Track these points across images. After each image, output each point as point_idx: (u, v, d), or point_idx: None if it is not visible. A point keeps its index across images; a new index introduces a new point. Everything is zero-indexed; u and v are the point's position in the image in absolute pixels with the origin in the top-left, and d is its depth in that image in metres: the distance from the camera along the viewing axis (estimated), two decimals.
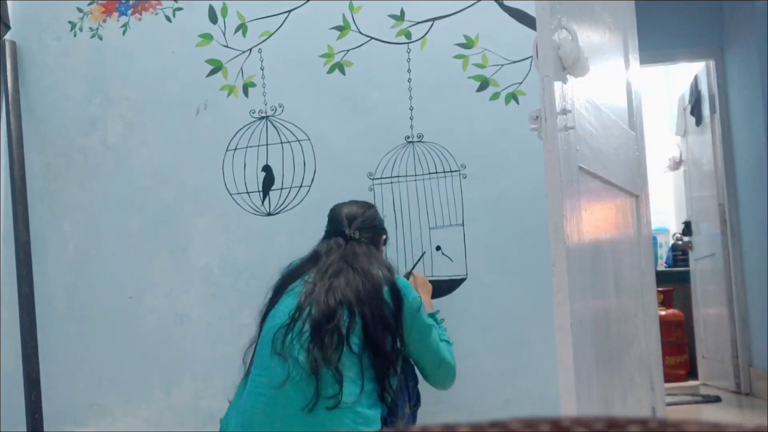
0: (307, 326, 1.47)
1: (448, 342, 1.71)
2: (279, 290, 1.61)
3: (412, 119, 2.08)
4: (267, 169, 2.16)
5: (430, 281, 1.90)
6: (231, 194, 2.18)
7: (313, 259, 1.63)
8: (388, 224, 2.04)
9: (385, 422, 1.47)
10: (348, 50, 2.14)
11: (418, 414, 1.66)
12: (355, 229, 1.66)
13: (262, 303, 1.66)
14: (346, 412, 1.41)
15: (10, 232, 2.30)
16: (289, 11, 2.20)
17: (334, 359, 1.43)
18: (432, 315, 1.76)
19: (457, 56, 2.07)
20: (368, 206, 1.79)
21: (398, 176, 2.07)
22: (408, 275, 1.85)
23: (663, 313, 3.56)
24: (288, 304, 1.54)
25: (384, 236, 1.79)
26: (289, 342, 1.46)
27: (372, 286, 1.52)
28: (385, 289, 1.53)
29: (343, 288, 1.50)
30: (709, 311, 3.89)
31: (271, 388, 1.44)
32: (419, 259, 1.98)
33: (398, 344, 1.53)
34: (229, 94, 2.22)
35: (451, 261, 2.02)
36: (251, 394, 1.47)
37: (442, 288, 1.97)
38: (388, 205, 2.06)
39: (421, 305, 1.60)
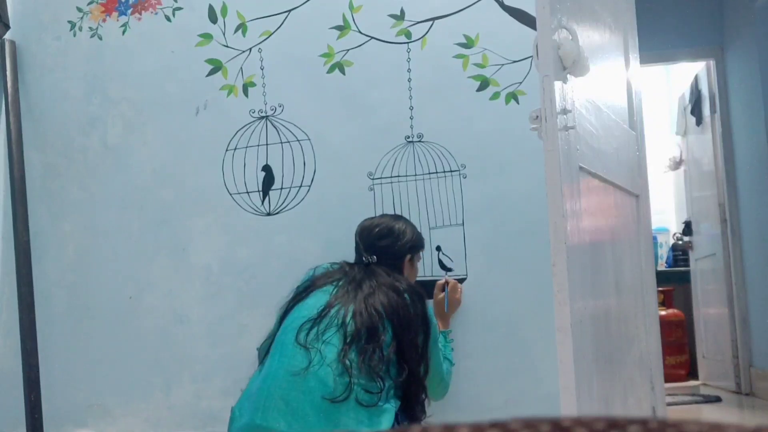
0: (332, 326, 1.51)
1: (450, 362, 1.76)
2: (308, 288, 1.65)
3: (412, 119, 2.08)
4: (267, 169, 2.16)
5: (430, 281, 1.90)
6: (231, 194, 2.18)
7: (341, 271, 1.68)
8: None
9: (396, 419, 1.50)
10: (348, 50, 2.14)
11: None
12: (372, 254, 1.70)
13: (286, 298, 1.70)
14: (359, 410, 1.44)
15: (9, 232, 2.30)
16: (289, 11, 2.20)
17: (378, 370, 1.47)
18: (444, 334, 1.82)
19: (457, 56, 2.06)
20: (391, 226, 1.78)
21: (398, 176, 2.07)
22: (444, 285, 1.91)
23: (663, 313, 3.56)
24: (318, 299, 1.58)
25: (409, 256, 1.78)
26: (314, 335, 1.49)
27: (408, 310, 1.56)
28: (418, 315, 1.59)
29: (384, 303, 1.55)
30: (709, 311, 3.89)
31: (290, 374, 1.45)
32: (448, 269, 2.00)
33: (425, 369, 1.58)
34: (229, 94, 2.21)
35: (451, 261, 2.02)
36: (268, 378, 1.49)
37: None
38: (388, 205, 2.06)
39: (437, 332, 1.67)
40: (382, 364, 1.47)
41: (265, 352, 1.64)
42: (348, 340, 1.48)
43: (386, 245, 1.73)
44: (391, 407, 1.47)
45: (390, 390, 1.49)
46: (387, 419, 1.43)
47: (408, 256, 1.77)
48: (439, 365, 1.66)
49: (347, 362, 1.45)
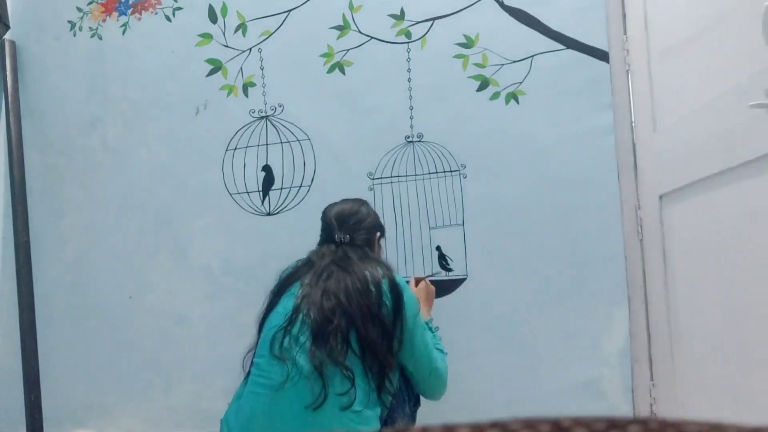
0: (304, 328, 1.47)
1: (441, 351, 1.69)
2: (277, 294, 1.61)
3: (412, 119, 2.08)
4: (267, 169, 2.16)
5: (431, 281, 1.89)
6: (231, 194, 2.18)
7: (308, 264, 1.62)
8: (388, 224, 2.04)
9: (384, 423, 1.47)
10: (348, 50, 2.14)
11: (417, 414, 1.65)
12: (345, 233, 1.66)
13: (261, 308, 1.65)
14: (346, 412, 1.41)
15: (9, 232, 2.30)
16: (289, 11, 2.20)
17: (341, 359, 1.42)
18: (427, 323, 1.74)
19: (457, 56, 2.06)
20: (359, 204, 1.75)
21: (398, 176, 2.07)
22: (419, 281, 1.84)
23: None
24: (285, 306, 1.54)
25: (378, 233, 1.76)
26: (287, 344, 1.46)
27: (363, 285, 1.50)
28: (384, 286, 1.52)
29: (335, 289, 1.49)
30: None
31: (270, 389, 1.44)
32: (432, 275, 1.97)
33: (395, 343, 1.51)
34: (229, 94, 2.21)
35: (451, 261, 2.02)
36: (251, 395, 1.47)
37: (442, 288, 1.97)
38: (388, 205, 2.06)
39: (418, 305, 1.59)
40: (345, 348, 1.44)
41: (250, 363, 1.61)
42: (313, 338, 1.45)
43: (358, 220, 1.70)
44: (374, 414, 1.45)
45: (373, 393, 1.46)
46: (372, 425, 1.41)
47: (378, 234, 1.75)
48: (423, 343, 1.57)
49: (317, 361, 1.42)
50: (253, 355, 1.57)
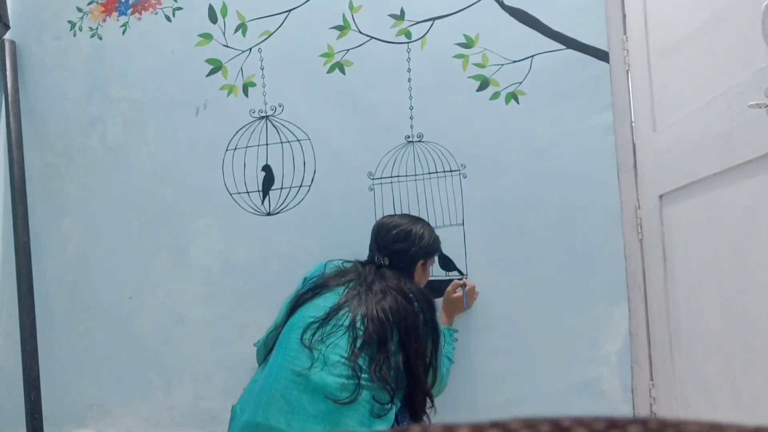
0: (337, 329, 1.49)
1: (450, 360, 1.75)
2: (319, 287, 1.63)
3: (412, 119, 2.08)
4: (267, 168, 2.16)
5: (430, 281, 1.90)
6: (231, 194, 2.18)
7: (354, 271, 1.65)
8: None
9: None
10: (348, 50, 2.14)
11: None
12: (385, 256, 1.69)
13: (296, 291, 1.68)
14: (367, 414, 1.42)
15: (9, 232, 2.30)
16: (289, 11, 2.20)
17: (386, 376, 1.45)
18: (450, 332, 1.82)
19: (457, 56, 2.06)
20: (409, 229, 1.75)
21: (398, 176, 2.07)
22: (462, 286, 1.93)
23: None
24: (327, 300, 1.56)
25: (422, 261, 1.76)
26: (319, 336, 1.48)
27: (416, 318, 1.55)
28: (425, 319, 1.57)
29: (394, 309, 1.53)
30: None
31: (293, 373, 1.44)
32: (460, 273, 2.00)
33: (431, 377, 1.57)
34: (229, 94, 2.21)
35: (452, 261, 2.02)
36: (271, 376, 1.47)
37: (442, 288, 1.97)
38: (388, 205, 2.06)
39: (443, 341, 1.67)
40: (391, 373, 1.46)
41: (270, 346, 1.63)
42: (359, 344, 1.46)
43: (401, 249, 1.71)
44: (386, 424, 1.46)
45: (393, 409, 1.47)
46: (386, 422, 1.42)
47: (421, 261, 1.75)
48: (441, 368, 1.65)
49: (356, 366, 1.44)
50: (276, 336, 1.59)
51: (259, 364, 1.68)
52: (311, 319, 1.51)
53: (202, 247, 2.20)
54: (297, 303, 1.62)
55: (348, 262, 1.73)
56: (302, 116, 2.15)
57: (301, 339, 1.48)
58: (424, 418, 1.56)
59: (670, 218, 1.69)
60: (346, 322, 1.49)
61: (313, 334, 1.48)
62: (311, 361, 1.44)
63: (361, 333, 1.48)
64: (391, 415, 1.44)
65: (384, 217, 1.83)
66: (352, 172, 2.10)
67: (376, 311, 1.51)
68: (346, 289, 1.58)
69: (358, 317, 1.50)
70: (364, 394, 1.41)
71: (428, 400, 1.56)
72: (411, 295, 1.57)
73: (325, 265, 1.73)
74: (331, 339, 1.47)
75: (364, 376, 1.43)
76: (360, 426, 1.39)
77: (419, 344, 1.52)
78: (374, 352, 1.46)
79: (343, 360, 1.44)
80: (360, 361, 1.44)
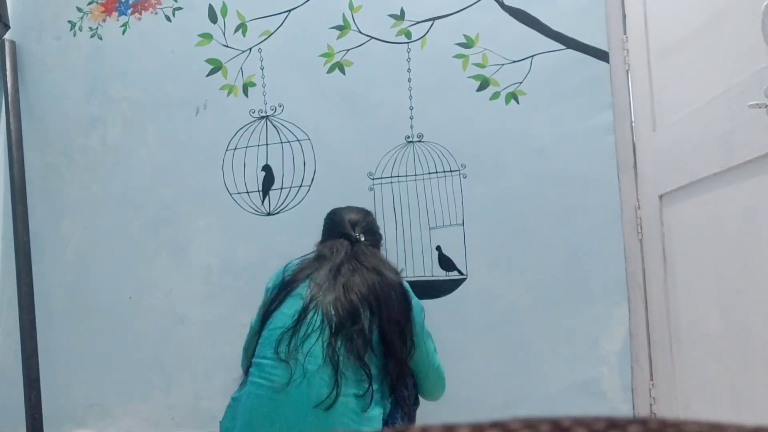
0: (311, 330, 1.46)
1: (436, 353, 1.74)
2: (282, 291, 1.58)
3: (412, 119, 2.08)
4: (267, 168, 2.16)
5: (431, 281, 1.90)
6: (231, 194, 2.18)
7: (318, 259, 1.61)
8: (389, 224, 2.04)
9: (385, 423, 1.47)
10: (348, 50, 2.14)
11: (417, 414, 1.66)
12: (359, 233, 1.66)
13: (263, 302, 1.64)
14: (354, 411, 1.41)
15: (9, 232, 2.30)
16: (289, 11, 2.20)
17: (361, 354, 1.42)
18: None
19: (457, 56, 2.06)
20: (368, 212, 1.79)
21: (398, 176, 2.07)
22: None
23: None
24: (291, 306, 1.52)
25: (381, 242, 1.80)
26: (294, 346, 1.45)
27: (387, 286, 1.52)
28: (396, 290, 1.54)
29: (360, 286, 1.50)
30: None
31: (271, 390, 1.43)
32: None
33: (408, 347, 1.53)
34: (228, 94, 2.22)
35: (452, 261, 2.02)
36: (251, 396, 1.46)
37: (442, 288, 1.97)
38: (388, 205, 2.06)
39: (424, 312, 1.61)
40: (366, 346, 1.44)
41: (251, 353, 1.59)
42: (334, 331, 1.45)
43: (371, 221, 1.74)
44: (378, 414, 1.45)
45: (377, 393, 1.46)
46: (375, 425, 1.41)
47: (381, 242, 1.80)
48: (428, 346, 1.60)
49: (335, 356, 1.42)
50: (252, 355, 1.56)
51: (243, 370, 1.65)
52: (281, 330, 1.49)
53: (202, 247, 2.20)
54: (265, 314, 1.59)
55: (307, 255, 1.68)
56: (302, 116, 2.15)
57: (276, 353, 1.46)
58: (404, 391, 1.52)
59: (670, 218, 1.69)
60: (317, 322, 1.46)
61: (288, 345, 1.45)
62: (289, 374, 1.42)
63: (335, 320, 1.46)
64: (373, 415, 1.42)
65: (337, 209, 1.79)
66: (352, 172, 2.09)
67: (344, 291, 1.48)
68: (308, 287, 1.53)
69: (330, 307, 1.47)
70: (344, 392, 1.40)
71: (407, 373, 1.52)
72: (383, 268, 1.56)
73: (284, 269, 1.67)
74: (307, 346, 1.45)
75: (342, 365, 1.41)
76: (346, 424, 1.37)
77: (390, 309, 1.48)
78: (348, 331, 1.44)
79: (321, 365, 1.42)
80: (338, 347, 1.43)
